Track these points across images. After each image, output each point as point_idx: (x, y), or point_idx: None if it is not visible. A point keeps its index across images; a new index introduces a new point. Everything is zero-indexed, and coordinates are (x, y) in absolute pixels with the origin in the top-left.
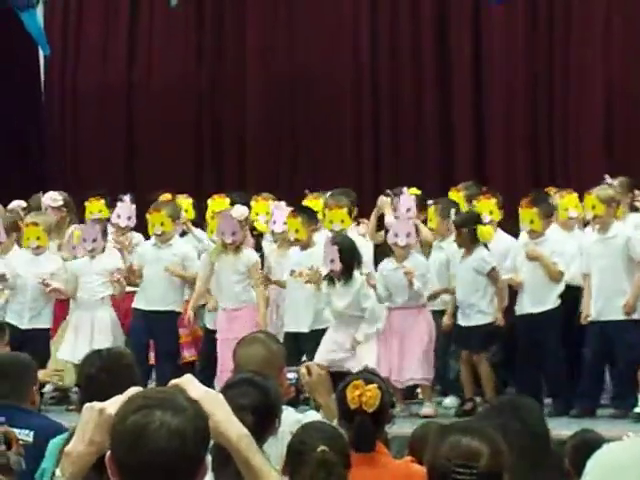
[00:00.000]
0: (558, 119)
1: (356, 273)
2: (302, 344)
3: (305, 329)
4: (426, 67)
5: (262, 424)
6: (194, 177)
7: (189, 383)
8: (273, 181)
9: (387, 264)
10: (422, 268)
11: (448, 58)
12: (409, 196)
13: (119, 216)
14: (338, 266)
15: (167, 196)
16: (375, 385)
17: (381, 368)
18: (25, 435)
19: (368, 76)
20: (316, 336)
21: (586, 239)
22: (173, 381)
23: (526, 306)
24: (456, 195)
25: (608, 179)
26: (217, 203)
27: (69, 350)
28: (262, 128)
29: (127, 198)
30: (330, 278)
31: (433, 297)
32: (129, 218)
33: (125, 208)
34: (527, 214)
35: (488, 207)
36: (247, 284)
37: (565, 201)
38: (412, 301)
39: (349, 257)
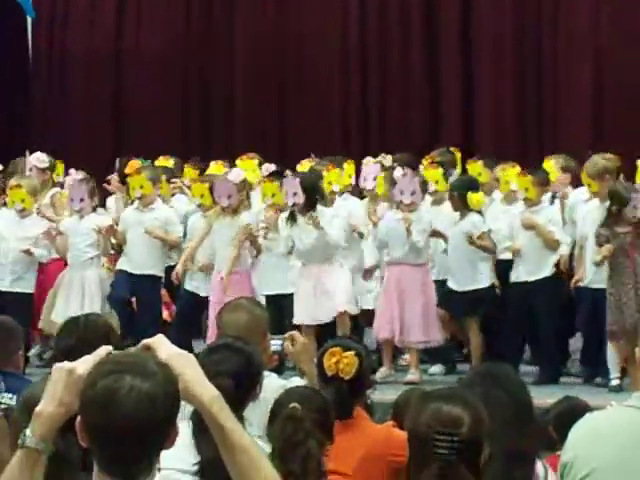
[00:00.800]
0: (547, 82)
1: (321, 207)
2: (283, 307)
3: (283, 291)
4: (414, 26)
5: (242, 389)
6: (182, 142)
7: (160, 343)
8: (261, 145)
9: (392, 214)
10: (424, 224)
11: (436, 19)
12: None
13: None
14: (301, 198)
15: (135, 162)
16: (352, 352)
17: (384, 328)
18: (9, 399)
19: (356, 37)
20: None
21: (583, 207)
22: (144, 341)
23: (522, 274)
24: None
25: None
26: (216, 168)
27: (61, 311)
28: (250, 93)
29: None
30: (292, 215)
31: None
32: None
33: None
34: (522, 182)
35: (434, 177)
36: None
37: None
38: (411, 256)
39: (311, 190)
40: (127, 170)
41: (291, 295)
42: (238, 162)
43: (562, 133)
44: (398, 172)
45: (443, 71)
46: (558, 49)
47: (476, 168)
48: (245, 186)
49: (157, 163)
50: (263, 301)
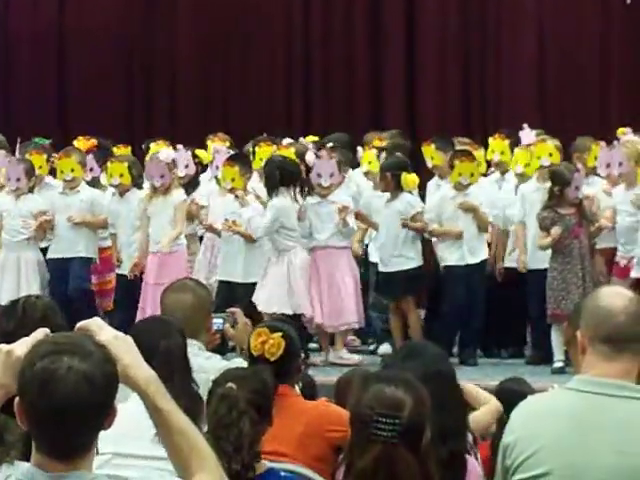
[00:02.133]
0: (490, 68)
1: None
2: (236, 293)
3: (239, 279)
4: (358, 11)
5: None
6: (125, 123)
7: (97, 327)
8: (204, 122)
9: (311, 199)
10: (349, 205)
11: (380, 2)
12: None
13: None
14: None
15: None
16: (279, 334)
17: (315, 313)
18: None
19: (300, 16)
20: (250, 288)
21: (525, 187)
22: (81, 323)
23: (466, 256)
24: (378, 144)
25: (527, 129)
26: (157, 148)
27: None
28: (193, 74)
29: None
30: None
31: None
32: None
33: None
34: (467, 168)
35: (367, 158)
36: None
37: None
38: (335, 239)
39: (271, 175)
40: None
41: (244, 284)
42: (208, 142)
43: (505, 114)
44: (310, 156)
45: (386, 54)
46: (502, 33)
47: (429, 151)
48: (176, 165)
49: (79, 145)
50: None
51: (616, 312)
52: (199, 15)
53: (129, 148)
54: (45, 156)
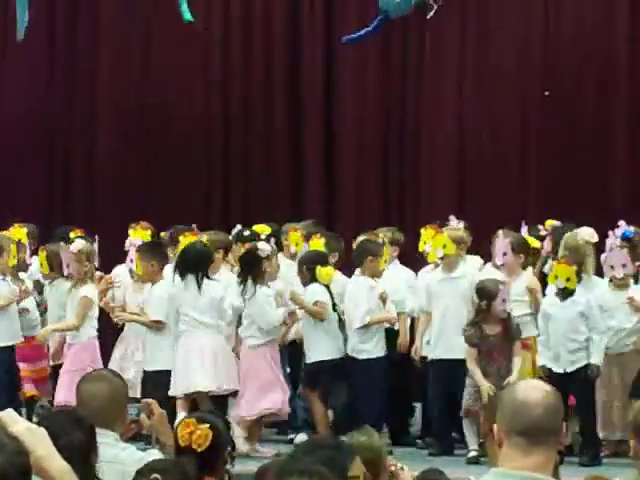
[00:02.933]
0: (409, 160)
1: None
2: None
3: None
4: (278, 95)
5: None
6: (44, 205)
7: (10, 418)
8: (124, 211)
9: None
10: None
11: (300, 88)
12: None
13: None
14: None
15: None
16: (207, 425)
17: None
18: None
19: (218, 105)
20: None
21: (429, 277)
22: None
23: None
24: (294, 234)
25: (453, 220)
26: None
27: None
28: (112, 157)
29: None
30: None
31: None
32: None
33: None
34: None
35: (317, 245)
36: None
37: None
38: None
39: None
40: None
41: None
42: (130, 231)
43: (425, 209)
44: (263, 245)
45: (306, 143)
46: (422, 121)
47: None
48: (89, 257)
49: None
50: None
51: (532, 405)
52: (118, 103)
53: None
54: None
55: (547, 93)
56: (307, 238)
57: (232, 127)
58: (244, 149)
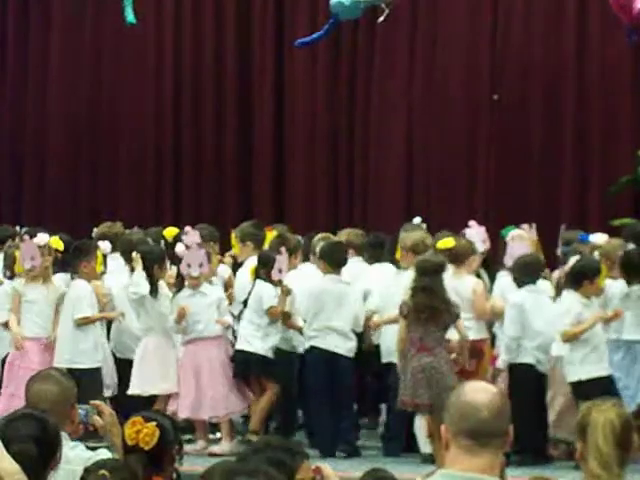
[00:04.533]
0: (359, 162)
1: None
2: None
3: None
4: (228, 96)
5: (43, 456)
6: None
7: None
8: (71, 205)
9: (184, 292)
10: (219, 293)
11: (250, 93)
12: None
13: None
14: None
15: None
16: (154, 423)
17: (182, 405)
18: None
19: (170, 109)
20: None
21: (386, 275)
22: None
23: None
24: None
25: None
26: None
27: None
28: (62, 159)
29: None
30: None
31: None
32: None
33: None
34: None
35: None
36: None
37: None
38: (208, 331)
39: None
40: None
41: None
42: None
43: (373, 211)
44: (180, 247)
45: (256, 144)
46: (371, 126)
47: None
48: (51, 251)
49: None
50: None
51: (480, 407)
52: (68, 103)
53: None
54: None
55: (496, 97)
56: (242, 240)
57: (182, 127)
58: (194, 149)
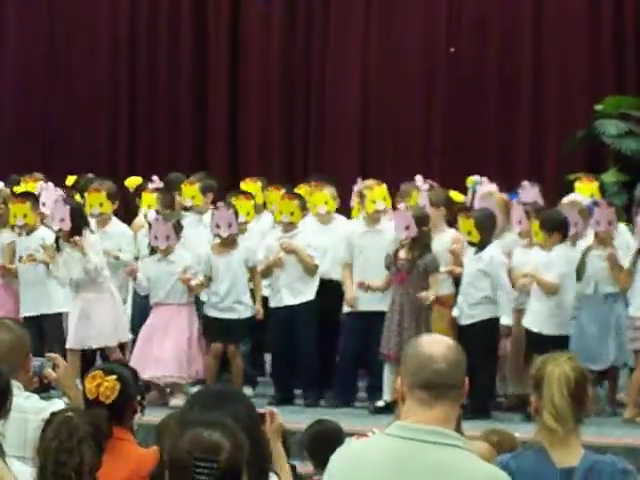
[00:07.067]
0: (314, 115)
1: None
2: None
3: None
4: (183, 49)
5: None
6: None
7: None
8: (23, 157)
9: (154, 256)
10: (187, 262)
11: (205, 34)
12: None
13: None
14: (68, 225)
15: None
16: (114, 377)
17: (140, 364)
18: None
19: (126, 61)
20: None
21: (352, 230)
22: None
23: (284, 298)
24: (189, 188)
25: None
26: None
27: None
28: (16, 115)
29: None
30: (57, 242)
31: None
32: None
33: None
34: (286, 206)
35: (191, 192)
36: None
37: (373, 194)
38: (174, 297)
39: (79, 217)
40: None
41: (53, 316)
42: (22, 183)
43: (327, 162)
44: (152, 215)
45: (210, 96)
46: (327, 73)
47: (252, 187)
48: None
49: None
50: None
51: (436, 359)
52: (23, 59)
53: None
54: None
55: (452, 49)
56: (203, 191)
57: (138, 79)
58: (149, 100)
